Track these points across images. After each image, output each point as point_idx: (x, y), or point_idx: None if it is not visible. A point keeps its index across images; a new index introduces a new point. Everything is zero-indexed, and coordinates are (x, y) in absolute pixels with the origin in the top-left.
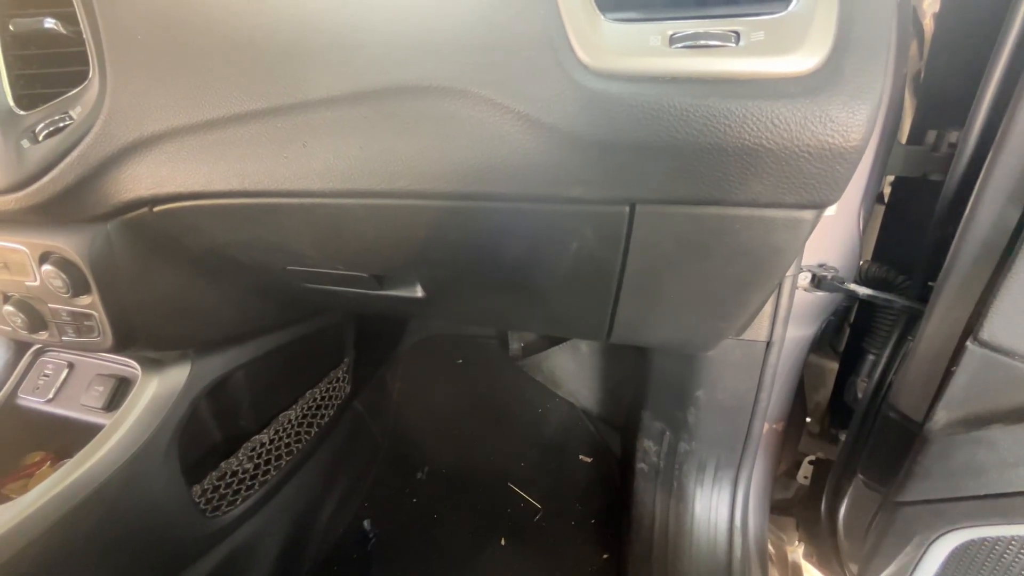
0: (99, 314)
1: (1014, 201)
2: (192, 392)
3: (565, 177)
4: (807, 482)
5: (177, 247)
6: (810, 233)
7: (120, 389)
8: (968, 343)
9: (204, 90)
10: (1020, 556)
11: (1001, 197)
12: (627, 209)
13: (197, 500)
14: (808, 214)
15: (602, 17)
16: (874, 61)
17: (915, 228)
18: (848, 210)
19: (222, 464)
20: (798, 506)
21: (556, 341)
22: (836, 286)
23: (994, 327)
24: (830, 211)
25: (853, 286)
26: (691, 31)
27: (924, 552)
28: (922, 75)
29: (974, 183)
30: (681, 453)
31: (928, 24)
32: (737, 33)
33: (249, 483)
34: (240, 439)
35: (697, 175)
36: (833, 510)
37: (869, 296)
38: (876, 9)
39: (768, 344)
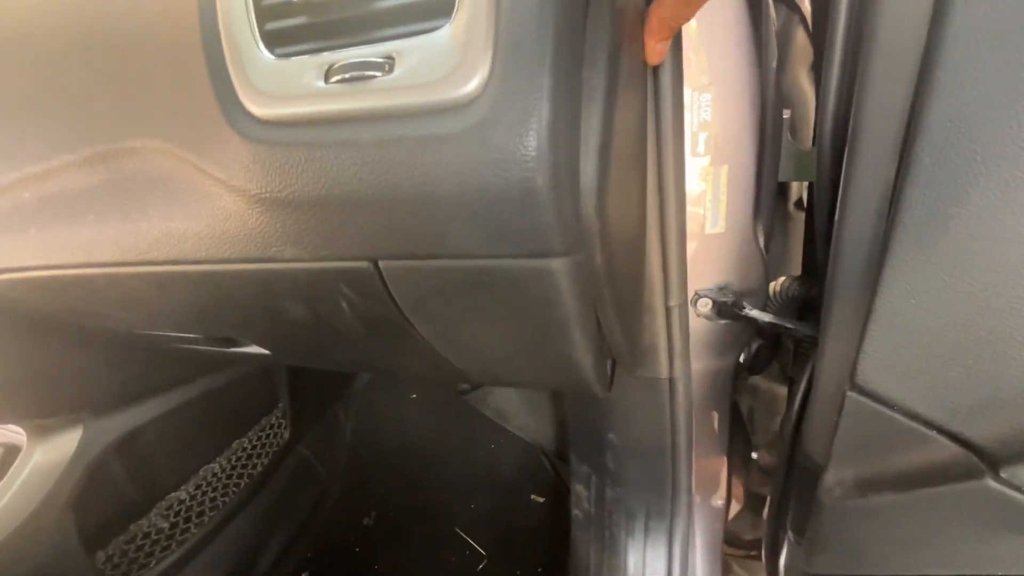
0: None
1: (875, 216)
2: (87, 456)
3: (274, 239)
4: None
5: (29, 315)
6: (581, 276)
7: (7, 458)
8: (847, 390)
9: None
10: None
11: (862, 213)
12: (370, 265)
13: (101, 567)
14: (555, 263)
15: (265, 54)
16: (534, 75)
17: None
18: (739, 226)
19: (131, 527)
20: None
21: None
22: (734, 312)
23: (867, 369)
24: (716, 228)
25: (754, 312)
26: (347, 60)
27: None
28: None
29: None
30: (609, 500)
31: (806, 7)
32: (392, 59)
33: (165, 543)
34: (153, 498)
35: (396, 230)
36: (774, 565)
37: (770, 324)
38: (533, 14)
39: (671, 381)
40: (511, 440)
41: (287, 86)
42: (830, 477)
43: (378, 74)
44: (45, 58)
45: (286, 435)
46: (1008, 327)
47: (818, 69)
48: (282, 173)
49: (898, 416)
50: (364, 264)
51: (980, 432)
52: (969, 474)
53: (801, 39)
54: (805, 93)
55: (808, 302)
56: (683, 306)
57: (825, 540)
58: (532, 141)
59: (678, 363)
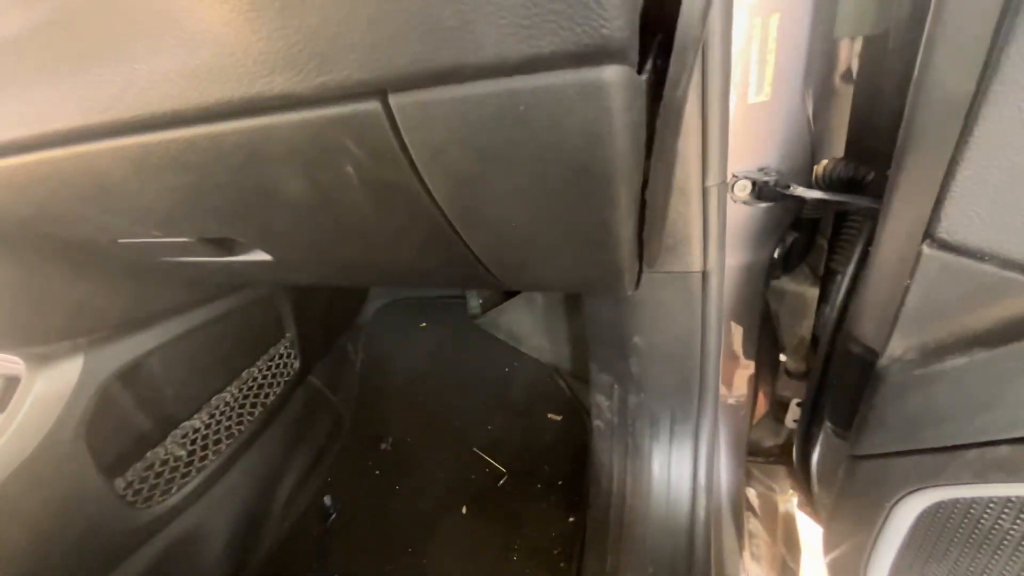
0: None
1: (969, 54)
2: (91, 385)
3: (259, 65)
4: (796, 426)
5: (14, 232)
6: (635, 104)
7: (7, 388)
8: (923, 246)
9: None
10: (1000, 522)
11: (952, 50)
12: (378, 104)
13: (122, 493)
14: (607, 72)
15: None
16: None
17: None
18: (788, 93)
19: (148, 454)
20: (787, 453)
21: (511, 294)
22: (778, 192)
23: (952, 218)
24: (760, 96)
25: (800, 190)
26: None
27: (888, 515)
28: None
29: (921, 35)
30: (632, 408)
31: None
32: None
33: (184, 471)
34: (167, 427)
35: (409, 28)
36: (805, 460)
37: (819, 199)
38: None
39: (704, 275)
40: (525, 362)
41: None
42: (893, 349)
43: None
44: None
45: (296, 365)
46: None
47: None
48: None
49: (988, 267)
50: (372, 104)
51: None
52: None
53: None
54: None
55: (855, 184)
56: (722, 187)
57: (880, 419)
58: None
59: (713, 254)
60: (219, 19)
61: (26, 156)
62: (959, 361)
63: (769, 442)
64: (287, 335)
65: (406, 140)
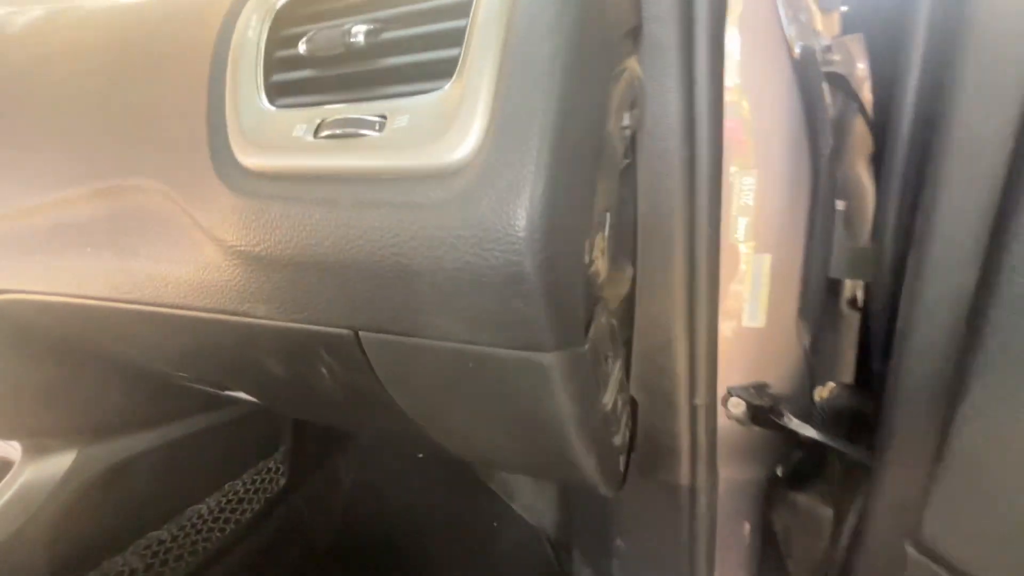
0: None
1: (948, 332)
2: (74, 481)
3: (249, 295)
4: None
5: (36, 336)
6: (578, 371)
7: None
8: (907, 545)
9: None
10: None
11: (931, 326)
12: (350, 333)
13: None
14: (546, 358)
15: (263, 103)
16: (530, 143)
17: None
18: (782, 322)
19: (104, 563)
20: None
21: None
22: (771, 420)
23: (934, 525)
24: (755, 322)
25: (795, 423)
26: (340, 116)
27: None
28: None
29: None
30: None
31: (866, 96)
32: (384, 118)
33: None
34: (134, 535)
35: (371, 301)
36: None
37: (813, 439)
38: (537, 79)
39: (692, 490)
40: (514, 519)
41: (276, 137)
42: None
43: (368, 132)
44: (71, 92)
45: (282, 481)
46: None
47: (878, 161)
48: (258, 227)
49: None
50: (344, 331)
51: None
52: None
53: (860, 128)
54: (863, 185)
55: (860, 417)
56: (711, 406)
57: None
58: (521, 218)
59: (702, 470)
60: (223, 254)
61: (63, 299)
62: None
63: None
64: (280, 449)
65: (373, 364)
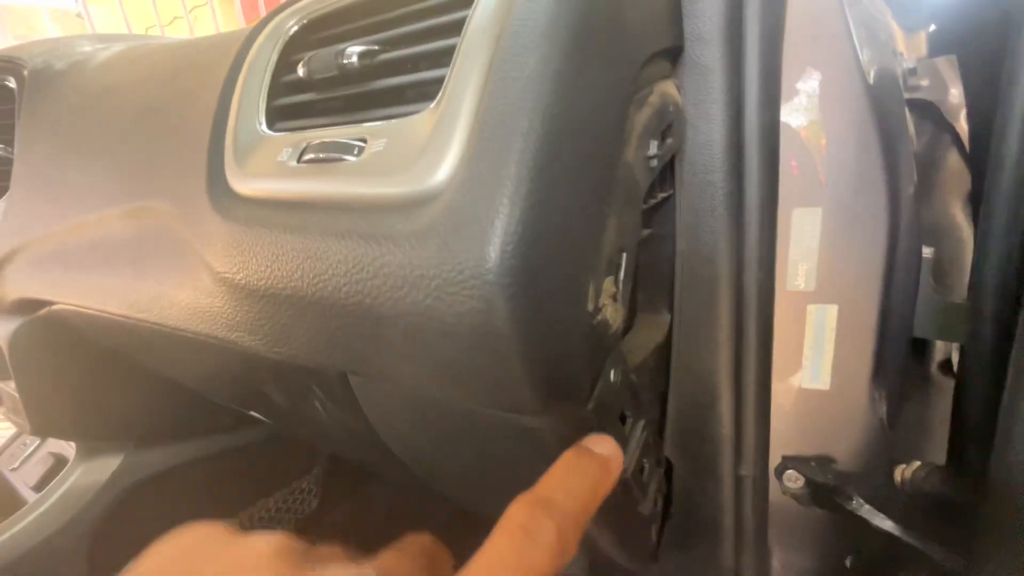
0: (19, 398)
1: None
2: (118, 485)
3: (235, 324)
4: None
5: (88, 344)
6: (578, 432)
7: (55, 467)
8: None
9: (54, 201)
10: None
11: None
12: (339, 375)
13: None
14: (532, 421)
15: (260, 128)
16: (507, 170)
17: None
18: (850, 385)
19: None
20: None
21: None
22: (836, 503)
23: None
24: (816, 383)
25: (866, 510)
26: (324, 140)
27: None
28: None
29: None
30: None
31: (962, 125)
32: (364, 142)
33: None
34: None
35: (339, 342)
36: None
37: (891, 533)
38: (522, 95)
39: (736, 573)
40: None
41: (263, 162)
42: None
43: (347, 157)
44: (122, 117)
45: (314, 503)
46: None
47: (976, 202)
48: (238, 253)
49: None
50: (333, 373)
51: None
52: None
53: (954, 163)
54: (958, 229)
55: (953, 507)
56: (760, 479)
57: None
58: (490, 258)
59: (748, 551)
60: (212, 279)
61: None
62: None
63: None
64: (315, 470)
65: (362, 405)
